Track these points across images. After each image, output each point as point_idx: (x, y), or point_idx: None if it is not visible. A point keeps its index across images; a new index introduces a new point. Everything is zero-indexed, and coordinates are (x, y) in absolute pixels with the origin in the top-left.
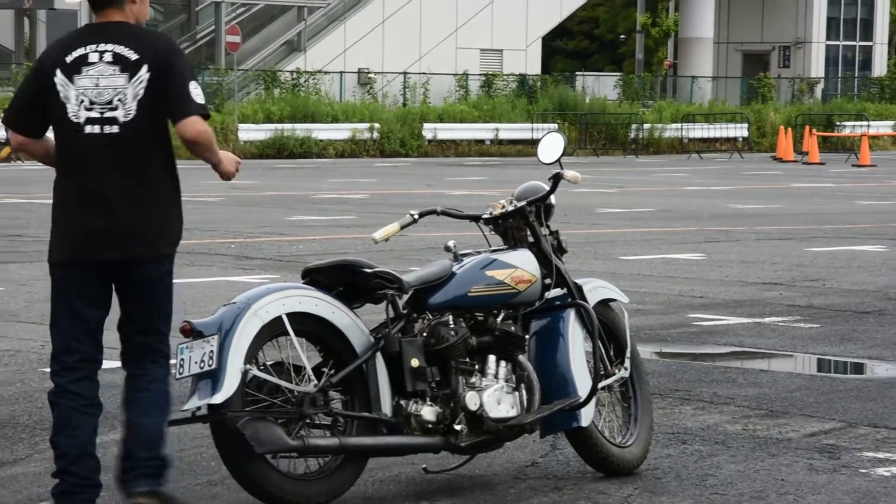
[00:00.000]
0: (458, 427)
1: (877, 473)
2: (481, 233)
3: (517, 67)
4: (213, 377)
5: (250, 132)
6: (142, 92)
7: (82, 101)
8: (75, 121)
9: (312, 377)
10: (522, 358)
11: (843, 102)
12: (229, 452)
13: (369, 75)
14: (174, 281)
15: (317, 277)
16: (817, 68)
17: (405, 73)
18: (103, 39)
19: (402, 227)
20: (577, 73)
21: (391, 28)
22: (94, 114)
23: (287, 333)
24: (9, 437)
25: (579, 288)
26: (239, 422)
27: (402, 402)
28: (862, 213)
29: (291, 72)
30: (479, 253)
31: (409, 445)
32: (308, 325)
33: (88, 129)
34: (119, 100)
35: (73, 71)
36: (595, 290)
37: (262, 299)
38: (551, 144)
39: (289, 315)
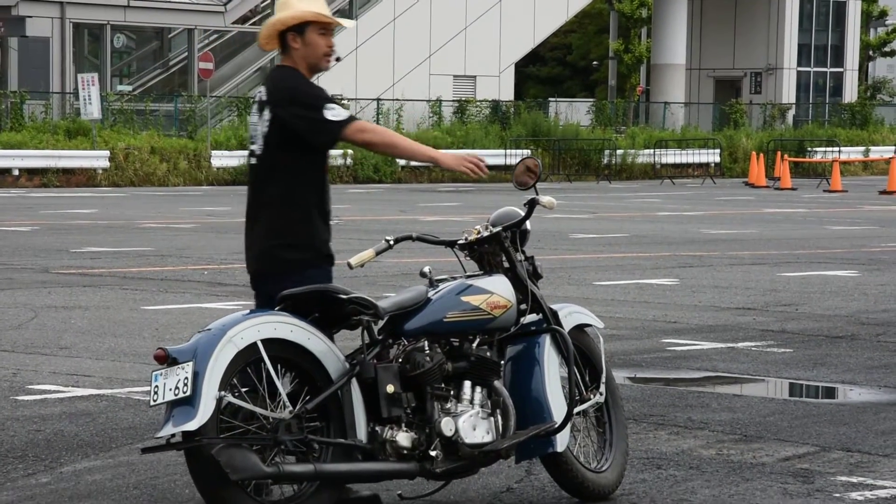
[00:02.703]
0: (433, 453)
1: (850, 498)
2: (457, 258)
3: (490, 93)
4: (187, 404)
5: (223, 159)
6: (266, 129)
7: (250, 135)
8: (249, 150)
9: (287, 403)
10: (498, 383)
11: (815, 128)
12: (204, 480)
13: (342, 101)
14: (149, 308)
15: (292, 304)
16: (788, 94)
17: (378, 100)
18: (264, 83)
19: (378, 253)
20: (550, 99)
21: (364, 54)
22: (253, 147)
23: (262, 359)
24: None
25: (555, 313)
26: (214, 449)
27: (378, 428)
28: (834, 238)
29: None
30: (455, 279)
31: (385, 471)
32: (283, 351)
33: (251, 159)
34: (258, 135)
35: (251, 109)
36: (570, 315)
37: (237, 325)
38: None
39: (264, 341)
